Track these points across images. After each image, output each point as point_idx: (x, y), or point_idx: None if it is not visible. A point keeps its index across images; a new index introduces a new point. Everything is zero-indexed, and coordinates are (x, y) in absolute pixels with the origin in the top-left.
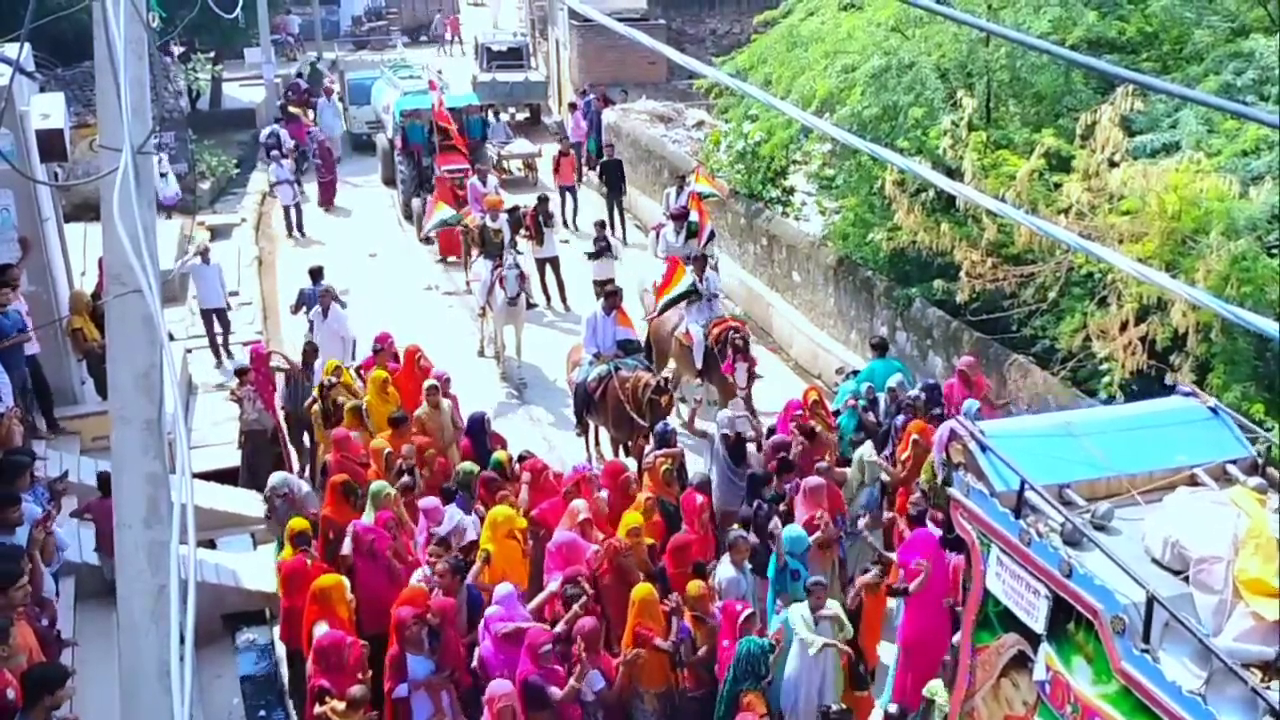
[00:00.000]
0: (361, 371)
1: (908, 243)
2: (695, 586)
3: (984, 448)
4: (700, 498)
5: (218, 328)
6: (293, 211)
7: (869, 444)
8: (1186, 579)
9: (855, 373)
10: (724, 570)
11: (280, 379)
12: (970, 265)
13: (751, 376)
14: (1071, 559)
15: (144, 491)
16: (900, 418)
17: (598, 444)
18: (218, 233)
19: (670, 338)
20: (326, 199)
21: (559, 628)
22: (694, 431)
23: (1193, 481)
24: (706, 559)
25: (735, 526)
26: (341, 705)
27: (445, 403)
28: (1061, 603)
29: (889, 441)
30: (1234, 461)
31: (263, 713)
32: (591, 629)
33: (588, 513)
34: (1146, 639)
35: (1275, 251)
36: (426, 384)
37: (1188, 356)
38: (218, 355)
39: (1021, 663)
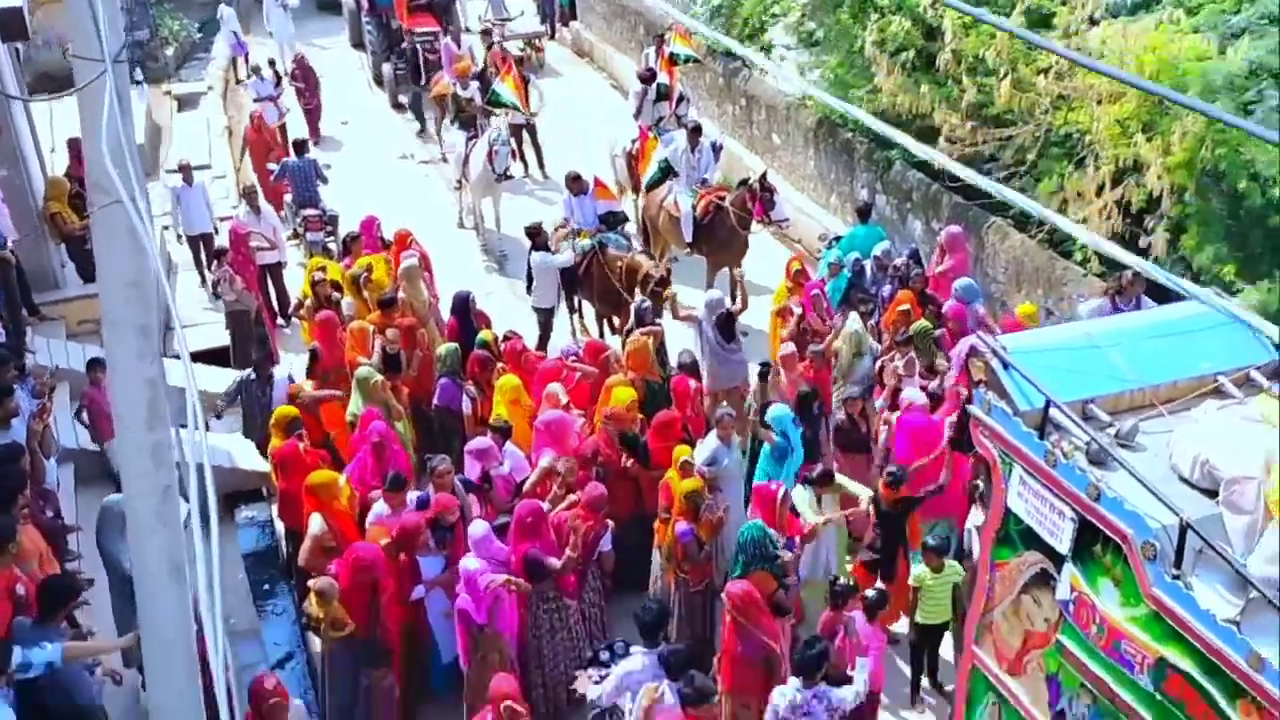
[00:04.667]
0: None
1: (888, 105)
2: (691, 482)
3: (1006, 365)
4: (693, 382)
5: (203, 256)
6: (279, 134)
7: (855, 315)
8: (1216, 497)
9: (838, 239)
10: (707, 445)
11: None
12: (949, 129)
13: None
14: (1100, 482)
15: (143, 396)
16: (888, 287)
17: (582, 319)
18: (185, 102)
19: (659, 210)
20: (313, 128)
21: (546, 506)
22: (680, 318)
23: (1217, 390)
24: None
25: (725, 405)
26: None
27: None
28: (1087, 524)
29: (875, 312)
30: (1258, 366)
31: (266, 586)
32: (599, 495)
33: (565, 395)
34: (1178, 565)
35: (1252, 110)
36: (405, 263)
37: (1162, 219)
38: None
39: (1043, 581)
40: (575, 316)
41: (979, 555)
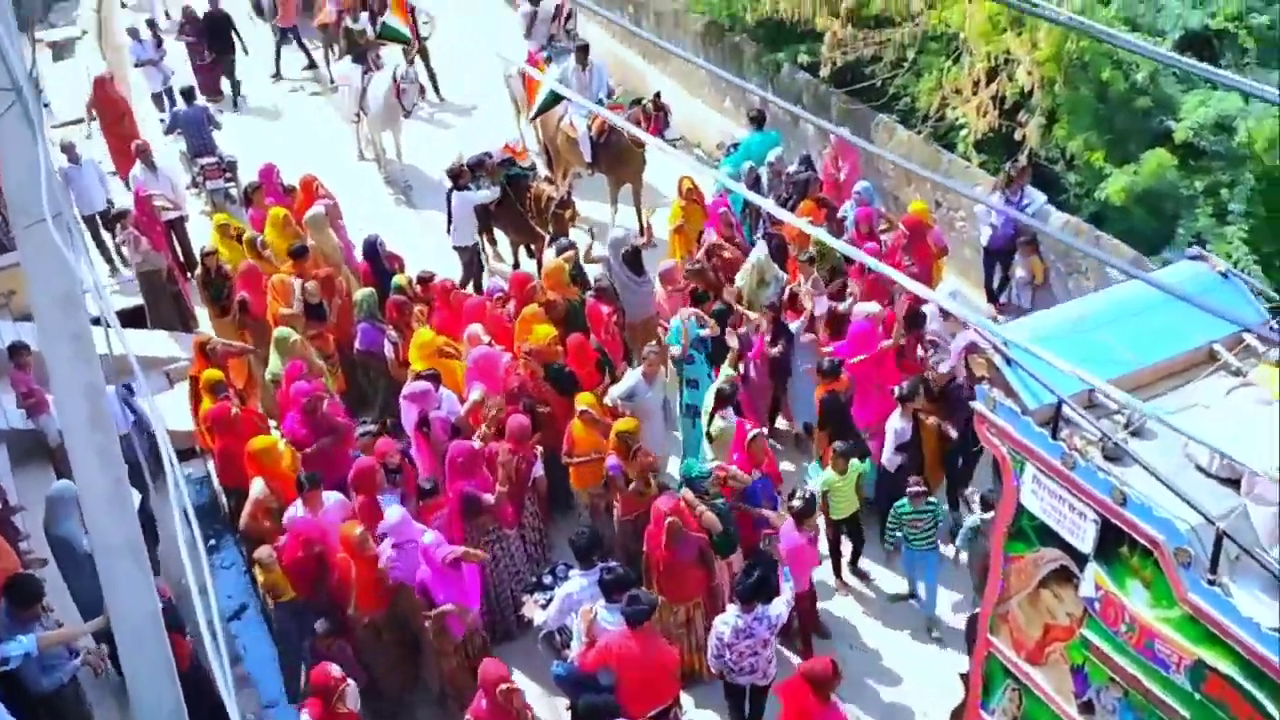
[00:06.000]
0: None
1: (771, 10)
2: (625, 423)
3: (1009, 361)
4: (605, 307)
5: (104, 234)
6: (164, 99)
7: (762, 244)
8: (1237, 487)
9: (735, 145)
10: (627, 379)
11: None
12: (832, 35)
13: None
14: (1125, 488)
15: (84, 401)
16: (772, 201)
17: (496, 249)
18: (59, 48)
19: (557, 131)
20: (209, 85)
21: (475, 441)
22: (592, 260)
23: (1212, 357)
24: (618, 364)
25: (652, 343)
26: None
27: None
28: (1111, 526)
29: (760, 225)
30: (1248, 329)
31: (212, 541)
32: (521, 426)
33: (485, 334)
34: (1213, 569)
35: None
36: (311, 212)
37: (1034, 111)
38: (111, 263)
39: (1065, 577)
40: (492, 248)
41: (991, 546)
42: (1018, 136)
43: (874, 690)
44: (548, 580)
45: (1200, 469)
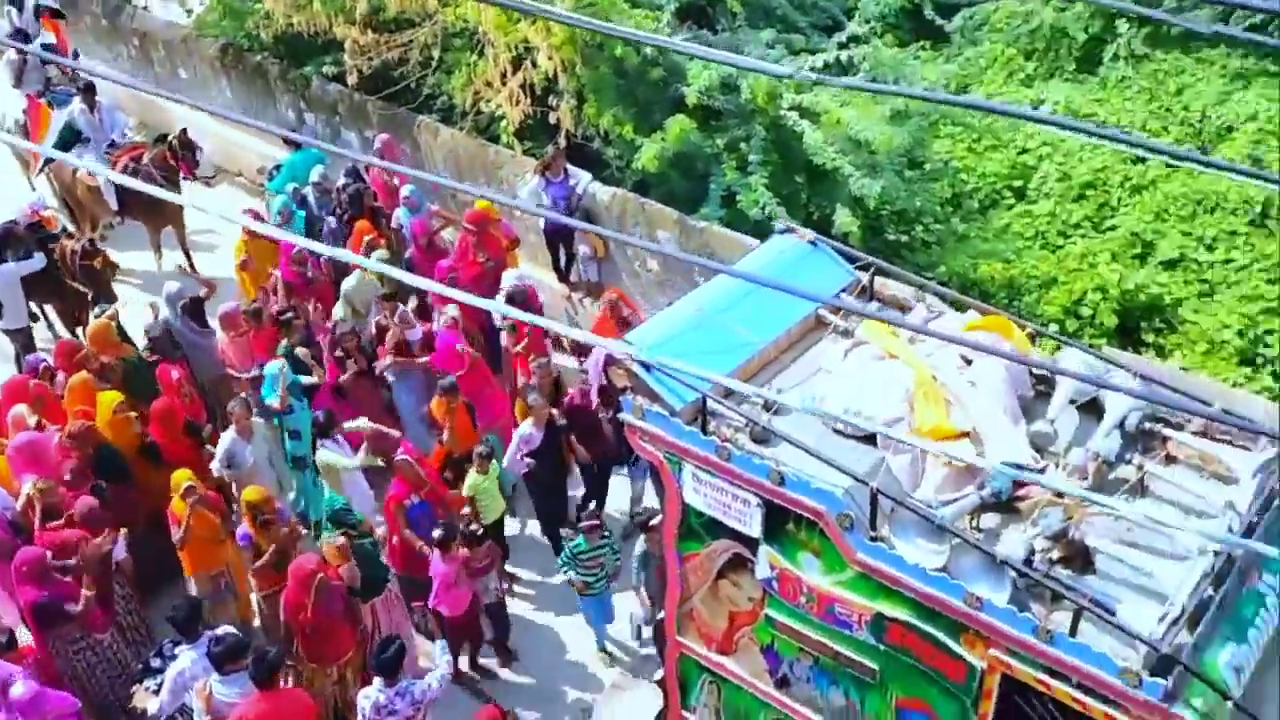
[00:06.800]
0: None
1: (284, 26)
2: (253, 493)
3: (648, 367)
4: (175, 371)
5: None
6: None
7: (355, 275)
8: (874, 443)
9: (279, 167)
10: (224, 443)
11: None
12: (352, 43)
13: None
14: (782, 468)
15: None
16: (332, 220)
17: (50, 325)
18: None
19: (74, 181)
20: None
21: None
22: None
23: (820, 323)
24: (201, 423)
25: (237, 398)
26: None
27: None
28: (775, 506)
29: (326, 243)
30: (845, 290)
31: None
32: (89, 510)
33: (31, 415)
34: (874, 526)
35: None
36: None
37: (563, 95)
38: None
39: (740, 563)
40: (44, 324)
41: (664, 550)
42: (553, 120)
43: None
44: (155, 663)
45: (839, 432)
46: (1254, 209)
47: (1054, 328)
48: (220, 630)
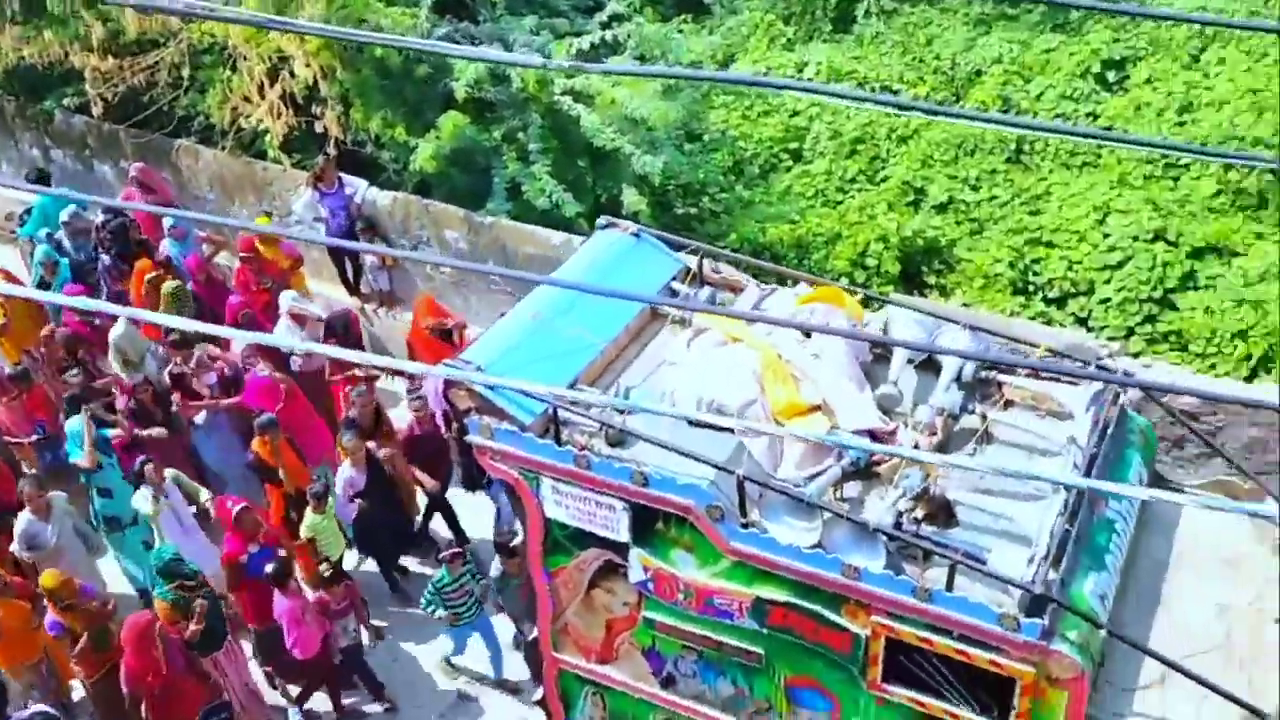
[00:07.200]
0: None
1: (15, 60)
2: (49, 578)
3: (493, 387)
4: None
5: None
6: None
7: (121, 323)
8: (732, 431)
9: (29, 211)
10: (19, 524)
11: None
12: (93, 70)
13: None
14: (643, 468)
15: None
16: (106, 258)
17: None
18: None
19: None
20: None
21: None
22: None
23: (656, 315)
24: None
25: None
26: None
27: None
28: (642, 508)
29: (102, 284)
30: (675, 278)
31: None
32: None
33: None
34: (744, 513)
35: None
36: None
37: (327, 102)
38: None
39: (612, 570)
40: None
41: (530, 568)
42: (320, 129)
43: None
44: None
45: (694, 424)
46: (1009, 147)
47: (844, 281)
48: (30, 711)
